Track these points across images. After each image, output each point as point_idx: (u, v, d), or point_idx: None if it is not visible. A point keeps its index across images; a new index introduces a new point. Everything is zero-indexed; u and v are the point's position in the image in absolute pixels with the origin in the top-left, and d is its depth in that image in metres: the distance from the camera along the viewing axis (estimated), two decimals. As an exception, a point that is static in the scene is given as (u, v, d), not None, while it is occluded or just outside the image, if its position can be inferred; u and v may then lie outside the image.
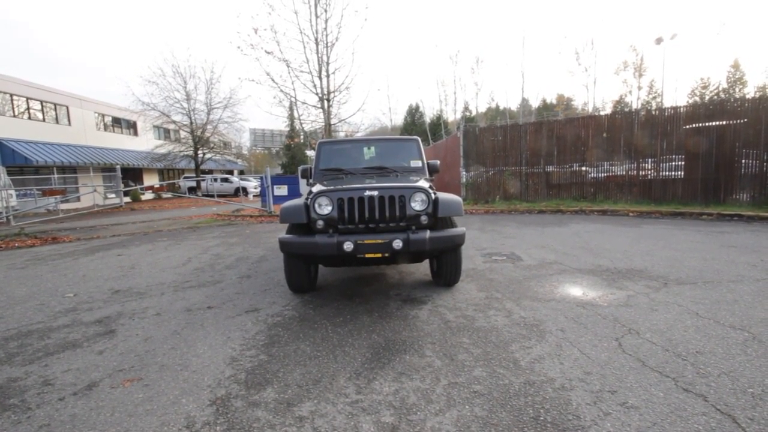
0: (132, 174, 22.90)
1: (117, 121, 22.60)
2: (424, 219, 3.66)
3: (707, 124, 10.29)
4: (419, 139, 5.15)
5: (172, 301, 3.92)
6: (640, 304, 3.33)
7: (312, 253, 3.48)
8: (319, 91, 13.57)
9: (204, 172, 22.49)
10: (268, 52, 13.45)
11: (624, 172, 10.91)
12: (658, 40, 30.32)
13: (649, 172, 10.67)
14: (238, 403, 2.10)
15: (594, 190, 11.22)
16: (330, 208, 3.61)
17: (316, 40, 13.23)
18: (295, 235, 3.63)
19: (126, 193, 19.39)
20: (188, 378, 2.38)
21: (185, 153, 21.42)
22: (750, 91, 33.56)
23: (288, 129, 35.11)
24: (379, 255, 3.52)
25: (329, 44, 13.30)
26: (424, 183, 3.94)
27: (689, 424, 1.76)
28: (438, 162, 5.04)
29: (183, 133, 22.74)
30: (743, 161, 9.58)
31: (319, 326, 3.13)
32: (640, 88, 36.90)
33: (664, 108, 11.24)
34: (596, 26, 52.80)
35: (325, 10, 13.21)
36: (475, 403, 2.00)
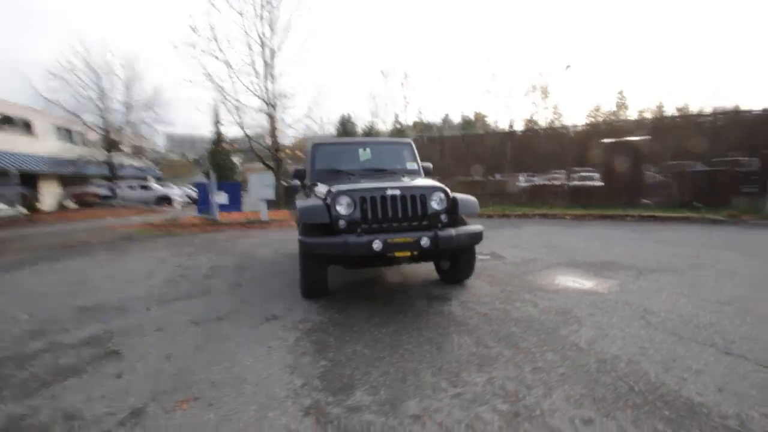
0: (25, 180, 19.39)
1: (7, 120, 19.03)
2: (444, 217, 3.74)
3: (621, 139, 12.04)
4: (412, 142, 5.24)
5: (167, 316, 3.45)
6: (633, 289, 3.77)
7: (341, 253, 3.34)
8: (264, 95, 13.02)
9: (114, 178, 19.88)
10: (207, 52, 12.60)
11: (556, 182, 12.22)
12: (567, 68, 34.70)
13: (576, 182, 12.10)
14: (336, 410, 1.94)
15: (532, 197, 12.35)
16: (352, 207, 3.52)
17: (262, 42, 12.73)
18: (320, 236, 3.45)
19: (24, 204, 16.41)
20: (256, 391, 2.13)
21: (96, 158, 18.75)
22: (632, 114, 39.66)
23: (215, 135, 32.97)
24: (408, 253, 3.51)
25: (275, 48, 12.89)
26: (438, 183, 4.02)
27: (750, 379, 2.06)
28: (431, 165, 5.16)
29: (94, 135, 19.94)
30: (647, 172, 11.38)
31: (359, 329, 3.01)
32: (546, 108, 41.54)
33: (588, 125, 12.89)
34: (509, 52, 58.63)
35: (269, 12, 12.81)
36: (570, 383, 2.11)
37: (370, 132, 39.06)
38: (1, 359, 2.66)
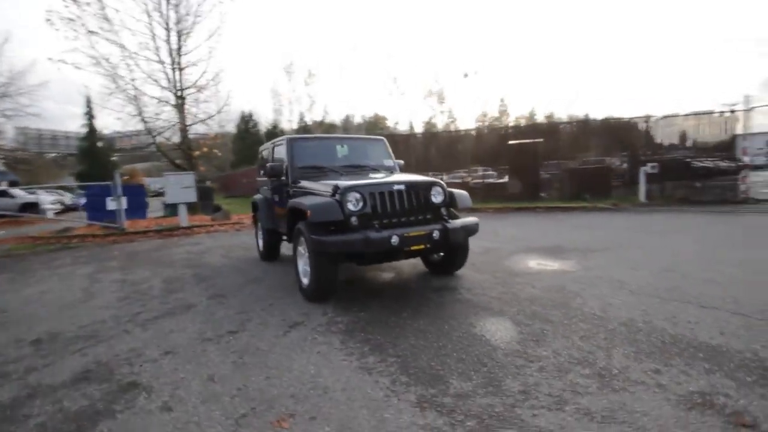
0: None
1: None
2: (443, 211, 3.92)
3: (522, 141, 13.77)
4: (385, 140, 5.30)
5: (162, 337, 2.97)
6: (592, 267, 4.43)
7: (360, 250, 3.28)
8: (171, 86, 11.62)
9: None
10: (92, 32, 10.75)
11: (457, 180, 13.47)
12: (465, 76, 37.92)
13: (477, 180, 13.51)
14: (446, 399, 1.96)
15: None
16: (362, 203, 3.48)
17: (167, 27, 11.33)
18: (335, 234, 3.33)
19: None
20: (350, 396, 2.03)
21: None
22: (511, 120, 45.20)
23: (86, 130, 28.07)
24: (422, 247, 3.60)
25: (183, 33, 11.59)
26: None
27: (734, 323, 2.65)
28: (403, 162, 5.30)
29: None
30: (543, 170, 13.26)
31: (394, 324, 3.00)
32: (442, 112, 44.89)
33: (496, 128, 14.41)
34: (409, 57, 61.65)
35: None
36: (616, 344, 2.46)
37: (275, 130, 37.41)
38: (-28, 417, 2.02)
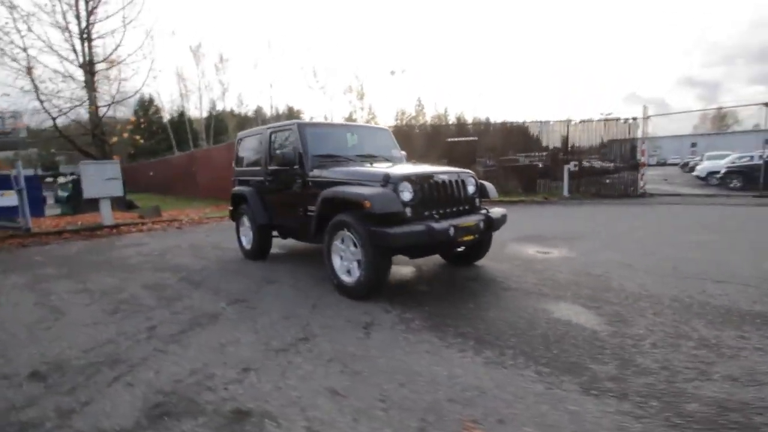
0: None
1: None
2: (477, 201, 3.95)
3: (458, 138, 14.57)
4: (389, 130, 5.12)
5: (219, 352, 2.46)
6: (588, 252, 4.86)
7: (425, 242, 3.13)
8: (79, 58, 9.71)
9: None
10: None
11: None
12: (392, 72, 38.51)
13: None
14: (609, 384, 1.97)
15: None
16: (411, 194, 3.33)
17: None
18: (403, 226, 3.11)
19: None
20: (519, 393, 1.91)
21: None
22: (428, 119, 47.28)
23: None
24: (471, 237, 3.58)
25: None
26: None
27: (750, 292, 3.14)
28: (405, 153, 5.17)
29: None
30: (478, 166, 14.20)
31: (471, 315, 2.92)
32: (362, 108, 45.08)
33: (437, 125, 14.93)
34: (330, 50, 60.35)
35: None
36: (689, 316, 2.73)
37: (182, 118, 33.70)
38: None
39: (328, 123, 5.04)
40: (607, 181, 13.21)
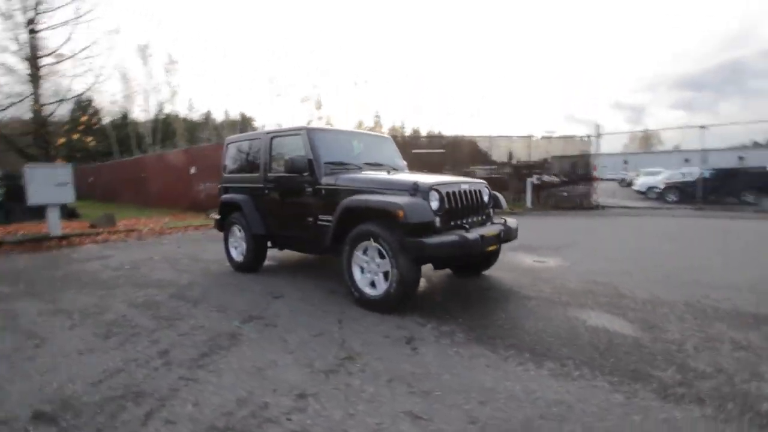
0: None
1: None
2: (490, 212, 3.97)
3: (425, 150, 14.84)
4: (391, 138, 5.03)
5: (257, 377, 2.19)
6: (581, 261, 5.06)
7: (459, 253, 3.07)
8: (22, 50, 8.69)
9: None
10: None
11: None
12: (355, 83, 38.74)
13: None
14: (679, 389, 2.00)
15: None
16: (438, 203, 3.27)
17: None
18: (437, 236, 3.02)
19: None
20: (604, 406, 1.87)
21: None
22: (385, 130, 47.89)
23: None
24: (495, 246, 3.58)
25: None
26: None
27: (748, 297, 3.40)
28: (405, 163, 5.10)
29: None
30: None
31: (507, 326, 2.87)
32: (320, 118, 44.59)
33: (405, 136, 15.07)
34: (287, 59, 59.24)
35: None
36: (710, 319, 2.88)
37: (125, 121, 31.14)
38: None
39: (336, 129, 4.85)
40: (564, 194, 14.04)
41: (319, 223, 3.81)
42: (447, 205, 3.32)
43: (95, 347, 2.65)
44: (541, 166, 14.58)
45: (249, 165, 4.68)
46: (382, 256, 3.16)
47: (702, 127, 12.65)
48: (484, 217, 3.78)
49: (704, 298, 3.42)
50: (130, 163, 19.24)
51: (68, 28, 8.75)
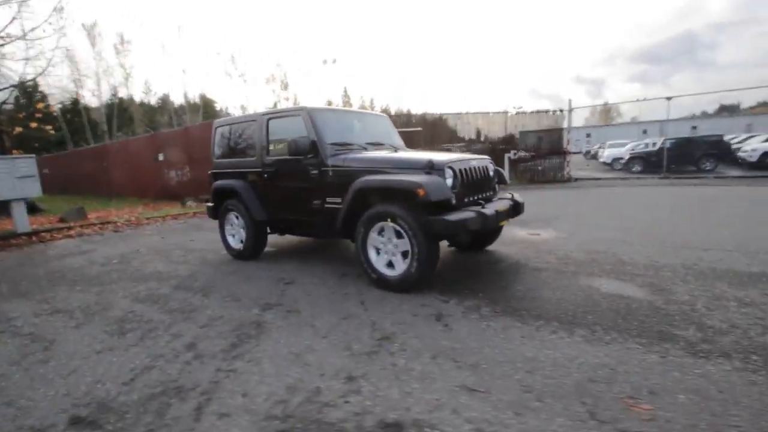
0: None
1: None
2: (496, 187, 4.02)
3: (404, 129, 14.73)
4: (387, 117, 4.93)
5: (301, 366, 2.16)
6: (575, 232, 5.25)
7: (478, 228, 3.09)
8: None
9: None
10: None
11: None
12: (324, 62, 37.49)
13: None
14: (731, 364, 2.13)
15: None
16: (452, 180, 3.28)
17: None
18: (457, 212, 3.03)
19: None
20: (658, 371, 1.97)
21: None
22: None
23: None
24: (505, 221, 3.64)
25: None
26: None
27: (737, 257, 3.65)
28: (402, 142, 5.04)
29: None
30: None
31: (528, 298, 2.96)
32: (287, 99, 43.13)
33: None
34: (246, 37, 56.29)
35: None
36: (718, 280, 3.08)
37: (76, 107, 28.93)
38: None
39: (335, 109, 4.69)
40: (539, 168, 14.41)
41: (327, 206, 3.73)
42: (460, 182, 3.33)
43: (113, 345, 2.51)
44: (510, 141, 14.85)
45: (244, 149, 4.48)
46: (399, 236, 3.15)
47: (668, 98, 13.22)
48: (491, 193, 3.82)
49: (699, 260, 3.64)
50: (88, 152, 18.02)
51: (13, 7, 7.86)
